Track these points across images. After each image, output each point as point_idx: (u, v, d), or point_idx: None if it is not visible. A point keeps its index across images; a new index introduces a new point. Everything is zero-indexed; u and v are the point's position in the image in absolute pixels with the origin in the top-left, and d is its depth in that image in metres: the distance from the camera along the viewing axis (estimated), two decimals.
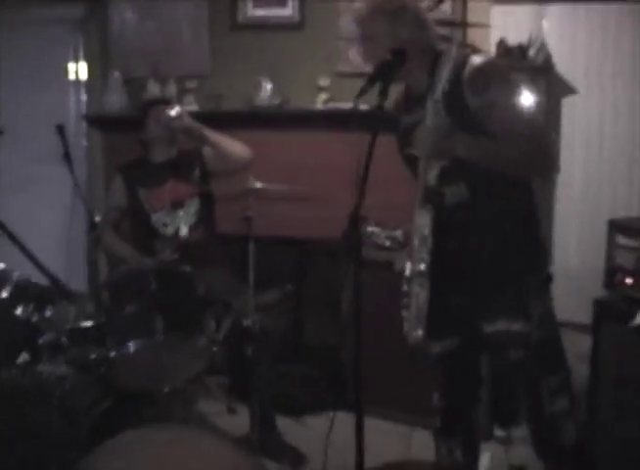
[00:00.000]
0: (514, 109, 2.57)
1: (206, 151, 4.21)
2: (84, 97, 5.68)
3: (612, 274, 3.49)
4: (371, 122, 2.39)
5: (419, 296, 2.64)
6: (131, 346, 3.02)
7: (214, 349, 3.20)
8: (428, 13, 2.75)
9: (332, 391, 4.38)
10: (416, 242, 2.68)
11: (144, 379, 3.16)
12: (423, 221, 2.66)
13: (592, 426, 3.36)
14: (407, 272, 2.74)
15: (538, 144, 2.54)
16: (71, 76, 5.67)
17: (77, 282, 5.00)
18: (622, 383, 3.28)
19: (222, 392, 4.40)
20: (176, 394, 3.33)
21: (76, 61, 5.66)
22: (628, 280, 3.40)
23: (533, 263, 2.68)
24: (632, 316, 3.49)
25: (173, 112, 4.05)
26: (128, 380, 3.12)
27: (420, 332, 2.65)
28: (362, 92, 2.40)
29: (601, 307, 3.44)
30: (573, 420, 2.73)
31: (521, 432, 3.91)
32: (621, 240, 3.59)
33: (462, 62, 2.57)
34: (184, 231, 4.03)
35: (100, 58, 5.57)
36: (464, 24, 4.82)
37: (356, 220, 2.35)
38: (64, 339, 3.09)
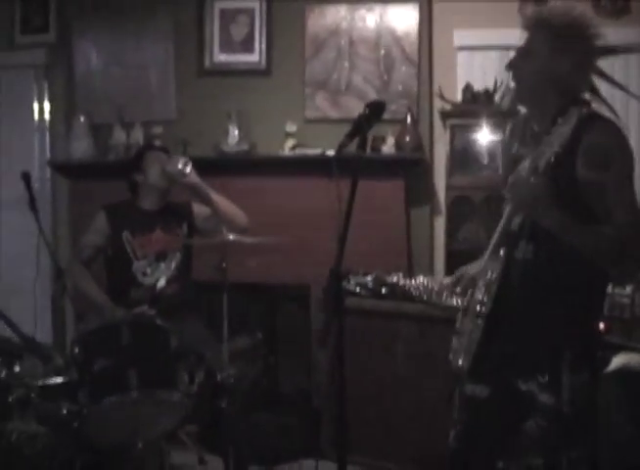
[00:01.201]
0: (627, 196, 2.38)
1: (197, 208, 4.18)
2: (49, 143, 5.60)
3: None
4: (351, 168, 2.35)
5: (472, 333, 2.60)
6: (105, 401, 2.96)
7: (188, 403, 3.14)
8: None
9: (306, 438, 4.34)
10: (481, 284, 2.62)
11: (118, 435, 3.09)
12: (493, 266, 2.59)
13: None
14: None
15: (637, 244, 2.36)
16: (36, 122, 5.60)
17: (44, 332, 4.91)
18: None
19: (193, 442, 4.34)
20: (150, 447, 3.27)
21: (41, 106, 5.60)
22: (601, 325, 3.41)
23: (579, 336, 2.55)
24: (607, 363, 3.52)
25: (183, 164, 3.97)
26: (102, 436, 3.06)
27: (464, 363, 2.63)
28: (341, 147, 2.38)
29: None
30: None
31: None
32: None
33: (584, 124, 2.37)
34: (162, 283, 3.97)
35: (65, 103, 5.54)
36: None
37: (338, 274, 2.31)
38: (33, 395, 3.02)
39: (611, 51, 2.54)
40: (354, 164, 2.36)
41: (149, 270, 3.99)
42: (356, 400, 4.01)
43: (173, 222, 4.10)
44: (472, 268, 2.76)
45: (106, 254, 4.09)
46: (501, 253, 2.60)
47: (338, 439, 2.40)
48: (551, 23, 2.45)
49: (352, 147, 2.46)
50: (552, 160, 2.28)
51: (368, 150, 4.92)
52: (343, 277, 2.41)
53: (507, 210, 2.55)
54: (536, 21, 2.49)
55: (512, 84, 2.57)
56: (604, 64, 2.51)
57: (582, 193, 2.37)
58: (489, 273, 2.60)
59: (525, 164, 2.49)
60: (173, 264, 4.03)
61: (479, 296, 2.61)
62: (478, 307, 2.60)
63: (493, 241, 2.62)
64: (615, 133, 2.42)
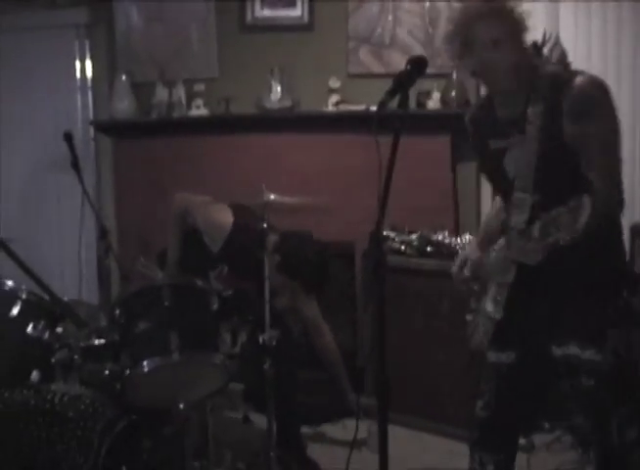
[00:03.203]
0: (611, 145, 2.43)
1: None
2: (91, 102, 5.59)
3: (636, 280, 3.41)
4: (393, 125, 2.27)
5: (492, 318, 2.59)
6: (146, 363, 2.95)
7: (231, 364, 3.13)
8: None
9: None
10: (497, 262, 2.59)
11: (160, 397, 3.09)
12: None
13: None
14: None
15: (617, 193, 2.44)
16: (78, 82, 5.58)
17: (90, 293, 4.95)
18: None
19: (238, 401, 4.35)
20: (193, 407, 3.27)
21: (83, 65, 5.58)
22: None
23: (615, 291, 2.55)
24: None
25: None
26: (144, 398, 3.05)
27: (483, 341, 2.63)
28: (382, 105, 2.30)
29: None
30: None
31: (542, 438, 3.88)
32: None
33: (561, 81, 2.44)
34: None
35: (107, 62, 5.54)
36: None
37: (379, 238, 2.24)
38: (76, 357, 3.02)
39: None
40: (396, 121, 2.28)
41: None
42: (401, 360, 4.02)
43: None
44: (472, 253, 2.74)
45: None
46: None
47: (378, 398, 2.34)
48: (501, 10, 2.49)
49: (394, 104, 2.39)
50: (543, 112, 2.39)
51: (412, 106, 4.84)
52: (384, 240, 2.33)
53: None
54: (489, 10, 2.49)
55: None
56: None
57: (569, 149, 2.39)
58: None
59: (510, 166, 2.53)
60: None
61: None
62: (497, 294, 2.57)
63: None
64: (597, 85, 2.45)
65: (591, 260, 2.48)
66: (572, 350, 2.49)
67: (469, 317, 2.71)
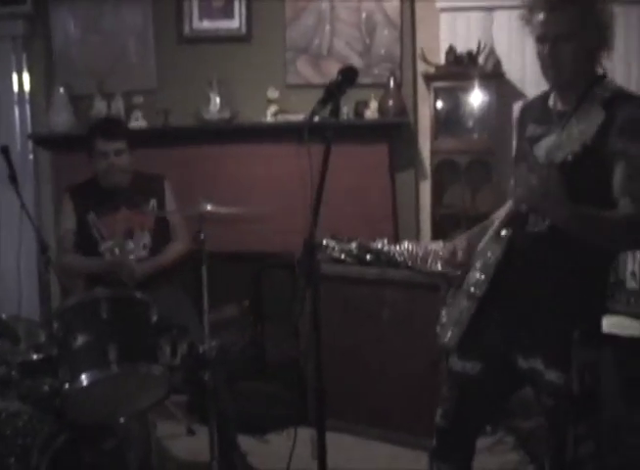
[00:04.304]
0: None
1: (169, 186, 4.09)
2: (29, 115, 5.53)
3: None
4: (324, 133, 2.32)
5: (464, 311, 2.57)
6: (85, 377, 2.92)
7: (171, 376, 3.12)
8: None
9: (295, 406, 4.33)
10: (478, 265, 2.57)
11: (100, 411, 3.06)
12: (493, 250, 2.54)
13: None
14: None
15: None
16: (15, 94, 5.51)
17: (30, 308, 4.90)
18: None
19: (181, 412, 4.34)
20: (136, 419, 3.26)
21: (20, 78, 5.52)
22: None
23: (589, 314, 2.51)
24: None
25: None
26: (84, 412, 3.02)
27: (452, 339, 2.59)
28: (313, 114, 2.33)
29: None
30: (598, 462, 2.64)
31: (484, 442, 3.93)
32: None
33: (616, 102, 2.35)
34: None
35: (44, 74, 5.46)
36: None
37: (312, 246, 2.27)
38: (14, 373, 2.99)
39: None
40: (328, 130, 2.32)
41: (117, 250, 3.90)
42: (341, 368, 4.04)
43: (140, 199, 3.96)
44: (472, 237, 2.69)
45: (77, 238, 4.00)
46: (503, 233, 2.54)
47: (317, 406, 2.37)
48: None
49: (327, 113, 2.42)
50: (569, 159, 2.22)
51: (350, 115, 4.89)
52: (317, 246, 2.34)
53: (513, 200, 2.50)
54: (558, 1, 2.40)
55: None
56: None
57: (606, 163, 2.32)
58: (489, 254, 2.55)
59: (541, 151, 2.41)
60: (142, 243, 3.94)
61: (476, 275, 2.56)
62: (472, 289, 2.56)
63: (497, 222, 2.57)
64: None
65: (573, 285, 2.47)
66: (537, 365, 2.49)
67: (442, 316, 2.67)
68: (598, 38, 2.41)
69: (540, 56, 2.46)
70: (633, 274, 3.68)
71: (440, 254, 2.79)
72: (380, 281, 4.14)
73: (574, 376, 2.43)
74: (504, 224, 2.54)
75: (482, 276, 2.54)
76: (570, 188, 2.25)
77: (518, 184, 2.40)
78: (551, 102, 2.55)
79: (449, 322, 2.63)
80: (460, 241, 2.69)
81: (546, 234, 2.44)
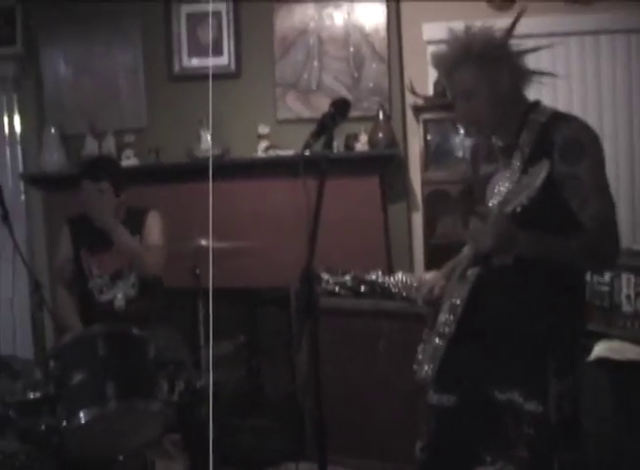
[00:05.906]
0: (599, 188, 2.39)
1: (150, 218, 4.06)
2: (20, 155, 5.55)
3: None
4: (318, 167, 2.33)
5: (437, 348, 2.58)
6: (83, 415, 2.92)
7: (169, 412, 3.11)
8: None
9: (292, 441, 4.31)
10: (445, 307, 2.59)
11: (98, 448, 3.06)
12: (459, 291, 2.55)
13: None
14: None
15: (612, 233, 2.39)
16: (7, 135, 5.54)
17: (24, 347, 4.87)
18: None
19: (178, 451, 4.31)
20: (133, 458, 3.24)
21: (11, 119, 5.55)
22: None
23: (563, 341, 2.52)
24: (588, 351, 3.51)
25: None
26: (82, 450, 3.02)
27: (428, 373, 2.60)
28: (306, 147, 2.35)
29: None
30: None
31: None
32: None
33: (551, 121, 2.44)
34: (120, 302, 3.86)
35: (35, 114, 5.48)
36: None
37: (309, 276, 2.28)
38: (11, 412, 2.98)
39: (528, 50, 2.54)
40: (322, 162, 2.34)
41: (105, 289, 3.89)
42: (339, 401, 4.02)
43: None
44: (436, 278, 2.75)
45: None
46: (469, 273, 2.56)
47: (316, 440, 2.36)
48: (472, 52, 2.45)
49: (320, 146, 2.44)
50: (518, 210, 2.25)
51: (340, 148, 4.92)
52: (315, 279, 2.35)
53: (469, 251, 2.57)
54: (458, 58, 2.47)
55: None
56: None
57: (559, 189, 2.36)
58: (455, 295, 2.57)
59: (493, 197, 2.50)
60: (131, 282, 3.92)
61: (445, 315, 2.58)
62: (441, 328, 2.58)
63: (464, 261, 2.59)
64: (584, 127, 2.45)
65: (543, 314, 2.49)
66: (516, 397, 2.49)
67: (419, 351, 2.69)
68: (508, 81, 2.47)
69: (457, 116, 2.57)
70: (628, 298, 3.70)
71: (423, 279, 2.84)
72: (375, 312, 4.14)
73: (551, 406, 2.45)
74: (470, 265, 2.56)
75: (451, 316, 2.56)
76: (531, 224, 2.29)
77: (470, 234, 2.44)
78: (494, 139, 2.61)
79: (424, 359, 2.65)
80: (435, 277, 2.75)
81: (512, 265, 2.47)
